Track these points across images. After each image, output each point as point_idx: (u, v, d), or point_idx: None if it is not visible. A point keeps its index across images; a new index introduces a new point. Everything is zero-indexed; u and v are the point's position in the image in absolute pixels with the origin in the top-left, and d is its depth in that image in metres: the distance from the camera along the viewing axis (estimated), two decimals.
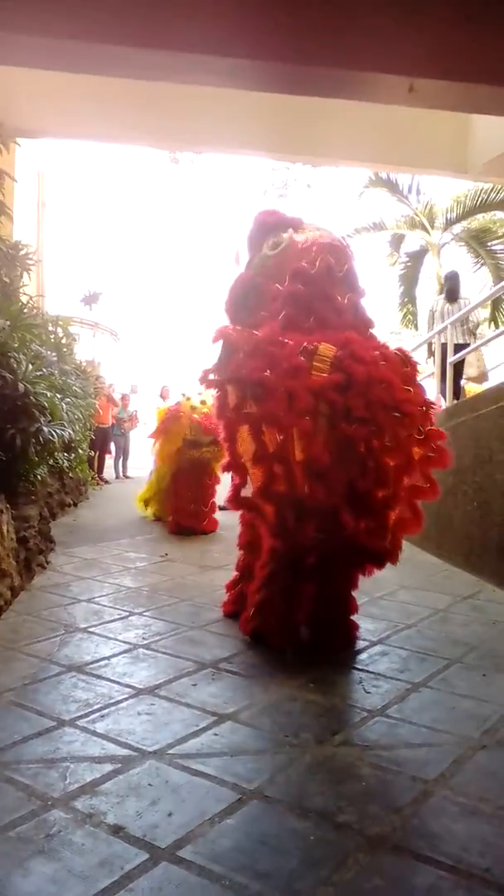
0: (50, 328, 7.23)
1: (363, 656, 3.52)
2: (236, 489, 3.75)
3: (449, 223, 13.91)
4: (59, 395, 5.36)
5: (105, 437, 11.73)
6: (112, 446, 12.94)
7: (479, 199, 13.40)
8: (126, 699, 2.92)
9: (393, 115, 5.27)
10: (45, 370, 5.17)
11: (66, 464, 7.33)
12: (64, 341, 7.20)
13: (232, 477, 3.77)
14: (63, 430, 5.02)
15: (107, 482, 11.62)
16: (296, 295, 3.64)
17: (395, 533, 3.53)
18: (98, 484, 10.51)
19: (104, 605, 4.28)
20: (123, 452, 13.40)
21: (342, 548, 3.46)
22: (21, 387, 4.47)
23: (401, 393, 3.50)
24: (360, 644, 3.69)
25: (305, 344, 3.36)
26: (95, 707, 2.83)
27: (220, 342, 3.47)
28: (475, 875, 1.86)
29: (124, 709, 2.83)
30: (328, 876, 1.83)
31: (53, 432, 4.76)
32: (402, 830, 2.05)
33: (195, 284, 36.88)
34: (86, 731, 2.63)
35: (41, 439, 4.74)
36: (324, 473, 3.31)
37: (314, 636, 3.64)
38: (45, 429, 4.68)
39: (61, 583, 4.80)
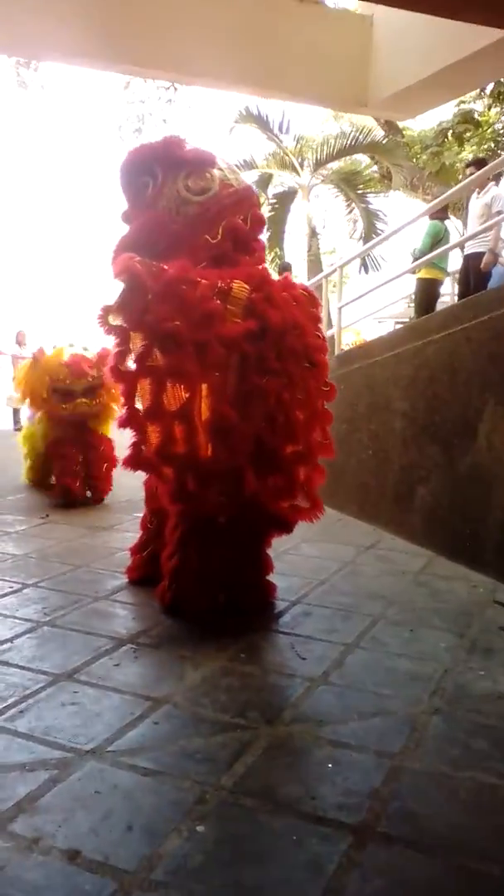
0: None
1: (286, 618, 3.36)
2: (136, 448, 3.40)
3: (319, 164, 13.70)
4: None
5: None
6: None
7: (350, 140, 13.30)
8: (44, 688, 2.58)
9: (285, 37, 4.87)
10: None
11: None
12: None
13: (132, 435, 3.41)
14: None
15: None
16: (223, 249, 3.32)
17: (311, 489, 3.39)
18: None
19: None
20: None
21: (249, 510, 3.27)
22: None
23: (313, 340, 3.33)
24: (280, 605, 3.53)
25: (220, 283, 3.06)
26: (10, 701, 2.48)
27: (125, 278, 3.06)
28: (472, 862, 1.74)
29: (44, 700, 2.50)
30: (329, 886, 1.64)
31: None
32: (385, 817, 1.90)
33: (51, 222, 34.80)
34: (5, 731, 2.28)
35: None
36: (230, 432, 3.07)
37: (231, 600, 3.43)
38: None
39: None
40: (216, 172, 3.46)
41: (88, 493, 6.24)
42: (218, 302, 2.97)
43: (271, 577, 3.65)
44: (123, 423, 3.27)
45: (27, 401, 6.41)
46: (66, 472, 6.17)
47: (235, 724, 2.36)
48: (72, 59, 5.96)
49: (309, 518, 3.34)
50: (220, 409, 3.04)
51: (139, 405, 3.17)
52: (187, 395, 3.09)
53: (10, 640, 3.01)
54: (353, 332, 13.88)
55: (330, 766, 2.15)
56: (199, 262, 3.25)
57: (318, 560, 4.31)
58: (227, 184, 3.45)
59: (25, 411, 8.19)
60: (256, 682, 2.70)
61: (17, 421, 12.75)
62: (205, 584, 3.32)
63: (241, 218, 3.40)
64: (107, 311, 3.04)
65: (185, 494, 3.18)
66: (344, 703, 2.54)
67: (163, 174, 3.45)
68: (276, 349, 3.10)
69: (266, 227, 15.54)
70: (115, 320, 3.06)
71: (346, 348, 7.30)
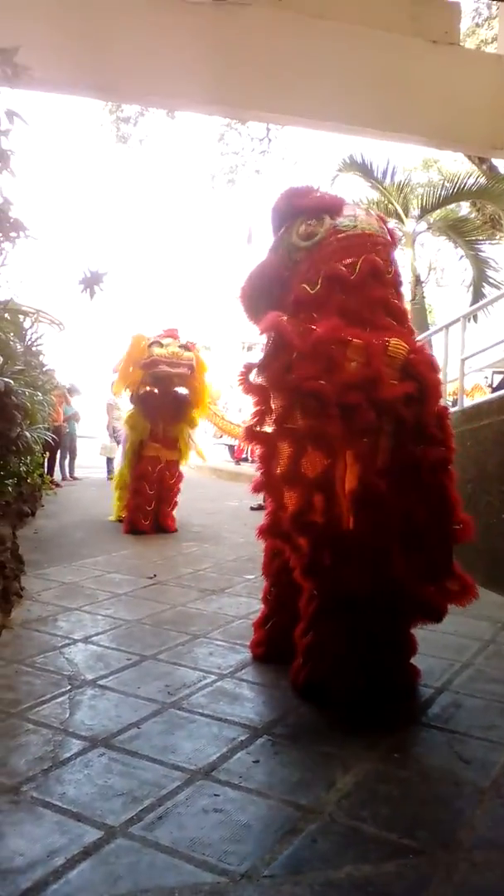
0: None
1: (435, 710, 3.00)
2: (273, 516, 3.19)
3: (425, 211, 13.38)
4: (38, 394, 4.64)
5: (59, 437, 10.84)
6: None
7: (457, 186, 13.00)
8: (180, 788, 2.30)
9: (417, 78, 4.66)
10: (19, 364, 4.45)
11: (24, 468, 6.56)
12: (30, 330, 6.38)
13: (266, 500, 3.21)
14: (43, 435, 4.31)
15: (58, 485, 10.78)
16: (344, 308, 3.00)
17: (459, 570, 3.07)
18: (52, 489, 9.68)
19: (106, 647, 3.62)
20: (70, 452, 12.53)
21: (394, 589, 2.94)
22: (0, 383, 3.74)
23: (443, 410, 3.12)
24: (424, 692, 3.17)
25: (375, 342, 2.82)
26: (146, 803, 2.21)
27: (271, 335, 2.87)
28: None
29: (183, 804, 2.21)
30: None
31: (37, 437, 4.05)
32: None
33: (147, 273, 35.75)
34: (146, 843, 2.01)
35: (21, 445, 4.03)
36: (378, 505, 2.78)
37: (373, 685, 3.08)
38: (27, 433, 3.97)
39: (45, 616, 4.11)
40: (328, 219, 3.25)
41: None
42: (377, 363, 2.71)
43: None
44: (259, 488, 3.09)
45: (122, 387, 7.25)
46: (136, 508, 7.00)
47: (406, 848, 2.02)
48: (208, 107, 5.82)
49: (463, 602, 3.00)
50: (369, 480, 2.76)
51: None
52: (328, 462, 2.84)
53: (137, 724, 2.75)
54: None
55: None
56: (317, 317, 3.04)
57: (454, 637, 3.92)
58: (337, 230, 3.21)
59: (118, 459, 8.49)
60: (419, 791, 2.35)
61: (110, 470, 12.78)
62: (343, 666, 3.00)
63: (346, 264, 3.08)
64: (249, 368, 2.85)
65: (320, 570, 2.91)
66: None
67: (288, 223, 3.36)
68: (436, 415, 2.86)
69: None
70: (256, 378, 2.85)
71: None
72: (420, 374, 2.77)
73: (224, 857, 1.95)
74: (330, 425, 2.74)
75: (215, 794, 2.27)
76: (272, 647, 3.44)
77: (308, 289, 3.12)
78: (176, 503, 7.41)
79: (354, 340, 2.75)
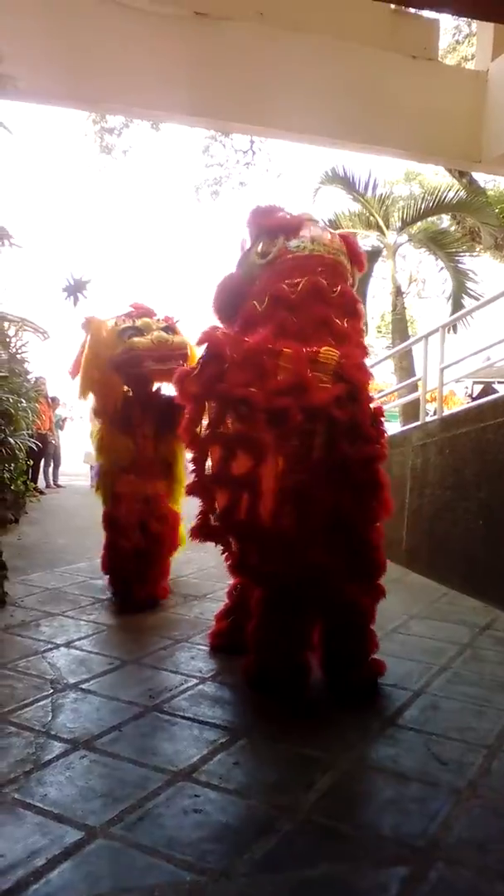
0: None
1: (413, 712, 3.03)
2: (204, 516, 3.33)
3: (405, 224, 13.54)
4: (22, 401, 4.64)
5: (45, 444, 10.81)
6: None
7: (436, 199, 13.13)
8: (161, 789, 2.33)
9: (396, 92, 4.74)
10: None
11: (7, 475, 6.55)
12: (14, 339, 6.39)
13: (200, 503, 3.32)
14: (26, 441, 4.32)
15: (42, 493, 10.76)
16: (285, 326, 3.14)
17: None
18: (36, 496, 9.65)
19: (89, 651, 3.64)
20: (54, 459, 12.53)
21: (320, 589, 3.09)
22: None
23: (378, 409, 3.34)
24: (401, 695, 3.21)
25: (305, 350, 2.99)
26: (127, 804, 2.23)
27: (205, 346, 3.04)
28: None
29: (164, 805, 2.24)
30: None
31: (20, 444, 4.06)
32: None
33: (131, 282, 35.87)
34: (127, 843, 2.03)
35: (4, 452, 4.04)
36: (304, 501, 2.91)
37: (333, 683, 3.21)
38: (11, 440, 3.98)
39: (28, 621, 4.12)
40: (282, 239, 3.36)
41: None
42: (302, 370, 2.89)
43: (385, 660, 3.35)
44: (191, 490, 3.26)
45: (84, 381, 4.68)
46: (118, 565, 4.68)
47: (385, 851, 2.05)
48: (190, 119, 5.74)
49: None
50: (296, 479, 2.89)
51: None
52: (254, 463, 2.93)
53: (118, 727, 2.77)
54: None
55: None
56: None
57: (432, 641, 3.98)
58: (287, 251, 3.32)
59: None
60: (396, 792, 2.39)
61: (93, 478, 12.76)
62: (293, 660, 3.13)
63: (291, 284, 3.21)
64: (182, 376, 3.05)
65: (244, 566, 3.12)
66: None
67: (252, 239, 3.51)
68: (369, 414, 3.04)
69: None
70: (190, 387, 3.04)
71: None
72: (349, 376, 2.97)
73: (203, 855, 1.98)
74: (258, 429, 2.87)
75: (195, 795, 2.30)
76: (229, 639, 3.62)
77: (257, 305, 3.29)
78: (168, 565, 4.95)
79: (285, 350, 2.90)
